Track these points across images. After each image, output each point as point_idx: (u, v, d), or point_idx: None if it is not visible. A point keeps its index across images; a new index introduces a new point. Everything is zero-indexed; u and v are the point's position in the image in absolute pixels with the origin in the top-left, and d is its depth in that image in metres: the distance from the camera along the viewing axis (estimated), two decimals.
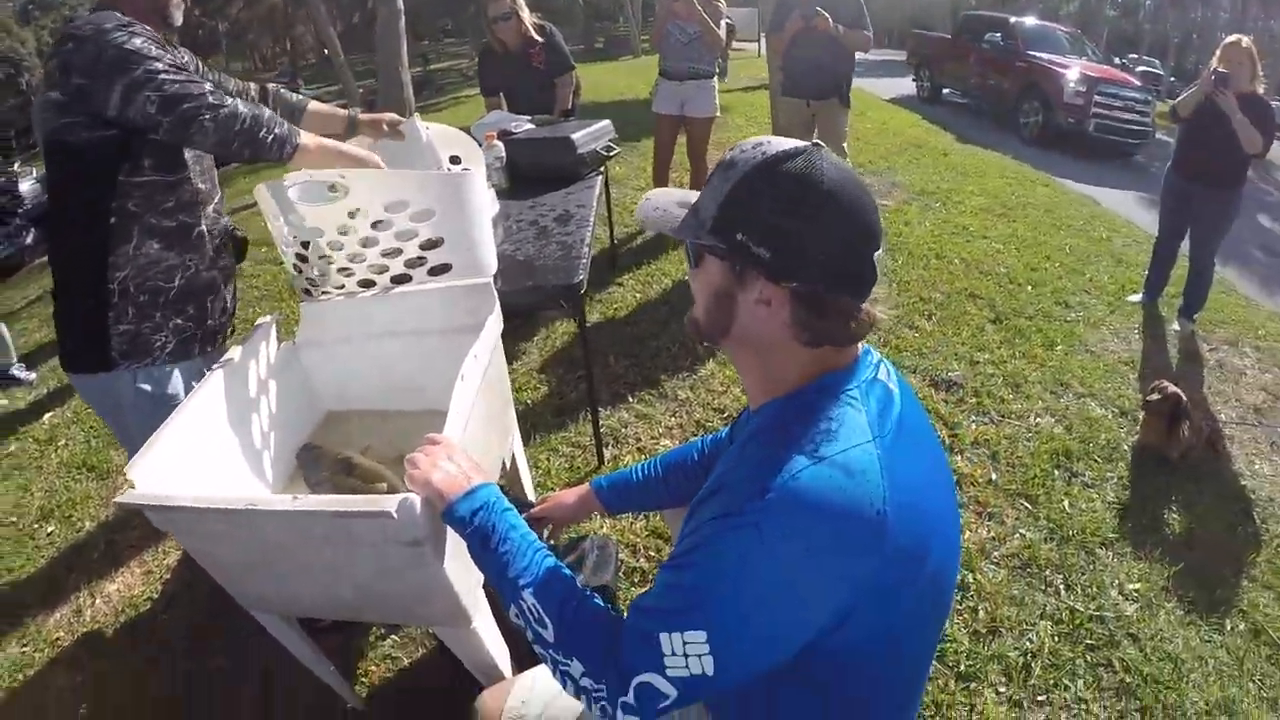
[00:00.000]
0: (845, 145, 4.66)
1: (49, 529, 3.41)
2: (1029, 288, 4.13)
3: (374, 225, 1.79)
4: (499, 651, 1.59)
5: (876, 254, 0.94)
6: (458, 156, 2.32)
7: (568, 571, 1.11)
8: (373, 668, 2.23)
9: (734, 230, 0.93)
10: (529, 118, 3.52)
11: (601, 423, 2.99)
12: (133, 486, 1.39)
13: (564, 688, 1.03)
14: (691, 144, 5.07)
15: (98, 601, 2.85)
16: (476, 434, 1.62)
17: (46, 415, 4.55)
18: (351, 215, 1.77)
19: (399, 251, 1.87)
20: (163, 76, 1.58)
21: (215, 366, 1.74)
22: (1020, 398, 3.10)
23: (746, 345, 1.02)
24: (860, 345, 1.02)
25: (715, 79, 4.87)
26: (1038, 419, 2.97)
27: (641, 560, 2.42)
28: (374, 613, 1.52)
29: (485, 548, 1.13)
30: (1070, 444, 2.87)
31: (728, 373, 3.39)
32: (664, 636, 0.90)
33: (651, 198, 1.11)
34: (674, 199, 1.08)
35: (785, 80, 4.62)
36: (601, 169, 3.22)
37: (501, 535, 1.13)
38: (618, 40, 27.58)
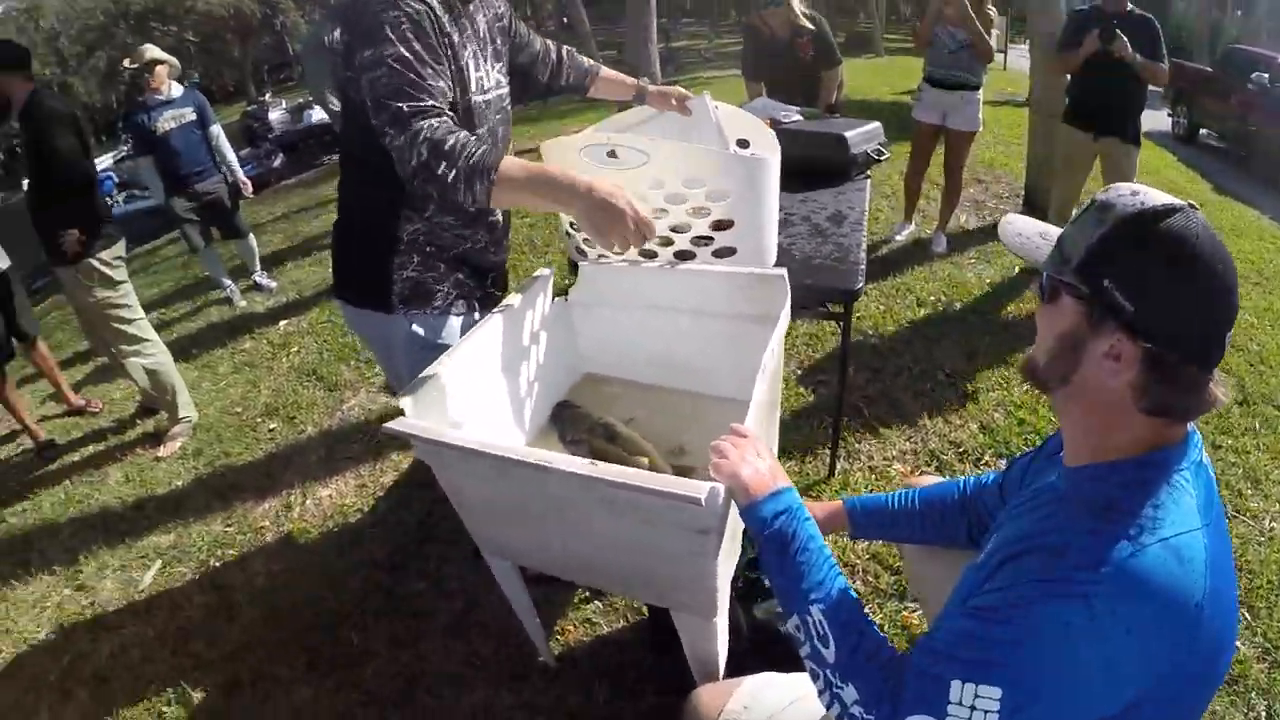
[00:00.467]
0: None
1: (271, 425, 3.71)
2: None
3: (667, 197, 1.78)
4: (723, 650, 1.55)
5: (1229, 332, 0.90)
6: (746, 140, 2.27)
7: (855, 594, 1.09)
8: (570, 628, 2.26)
9: (1101, 275, 0.90)
10: (797, 109, 3.43)
11: None
12: (402, 413, 1.44)
13: (828, 708, 1.03)
14: (949, 157, 4.81)
15: (308, 502, 3.07)
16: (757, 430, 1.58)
17: (282, 322, 4.95)
18: (650, 185, 1.76)
19: (688, 227, 1.84)
20: (384, 67, 1.46)
21: (494, 311, 1.79)
22: (1259, 495, 2.74)
23: (1080, 399, 0.98)
24: (1187, 427, 0.97)
25: (981, 91, 4.59)
26: (1273, 523, 2.62)
27: (857, 583, 2.33)
28: (620, 584, 1.51)
29: (782, 553, 1.12)
30: None
31: (970, 407, 3.21)
32: (955, 684, 0.88)
33: (1014, 222, 1.09)
34: (1036, 229, 1.05)
35: (1071, 108, 4.27)
36: (869, 172, 3.10)
37: (801, 544, 1.12)
38: (858, 38, 26.79)
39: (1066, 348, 0.95)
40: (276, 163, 14.72)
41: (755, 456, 1.22)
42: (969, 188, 5.92)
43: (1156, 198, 0.90)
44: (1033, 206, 5.46)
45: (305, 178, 11.73)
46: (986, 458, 2.89)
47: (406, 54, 1.47)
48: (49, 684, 2.46)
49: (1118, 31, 3.74)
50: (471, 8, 1.72)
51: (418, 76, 1.48)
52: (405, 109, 1.45)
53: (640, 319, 1.99)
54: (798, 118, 3.34)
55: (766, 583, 1.85)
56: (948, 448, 2.95)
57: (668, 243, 1.89)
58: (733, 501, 1.20)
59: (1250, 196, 8.35)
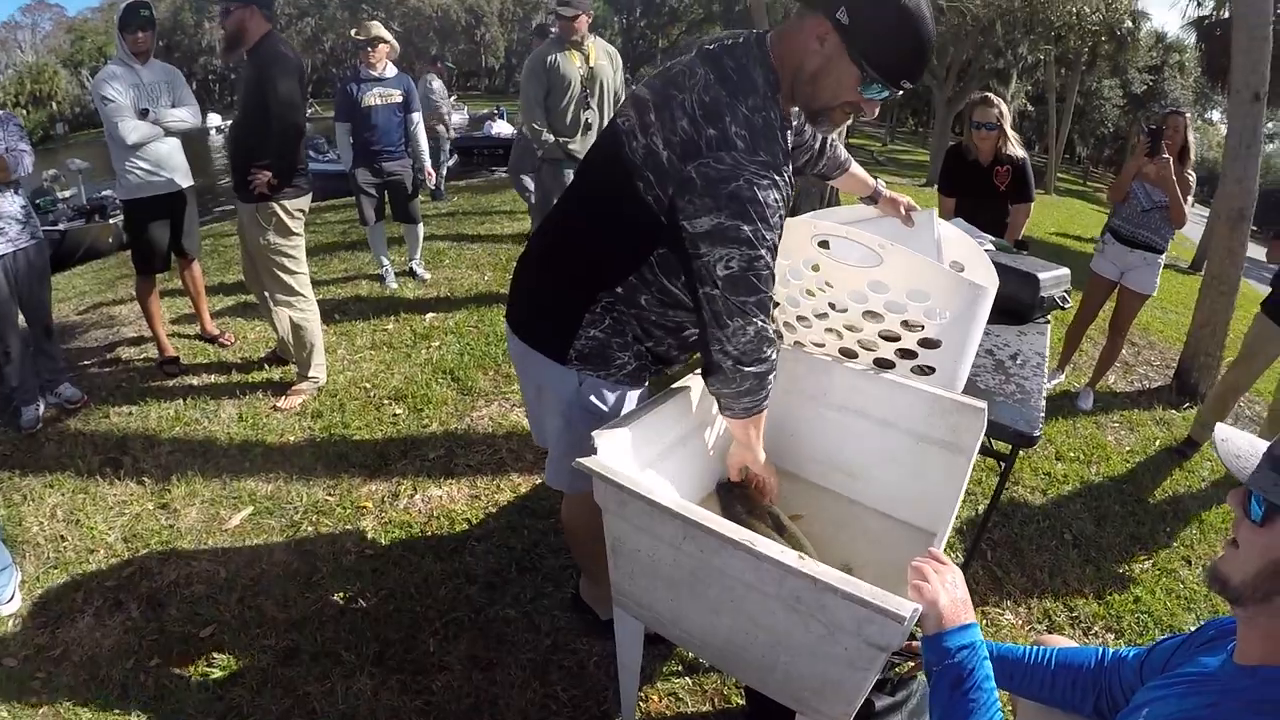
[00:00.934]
0: None
1: (397, 410, 3.74)
2: None
3: (887, 304, 1.75)
4: None
5: None
6: (960, 264, 2.23)
7: None
8: (654, 696, 2.19)
9: None
10: (991, 238, 3.37)
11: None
12: (595, 451, 1.45)
13: None
14: (1119, 315, 4.66)
15: (416, 496, 3.05)
16: None
17: (429, 314, 5.03)
18: (872, 288, 1.73)
19: (896, 337, 1.81)
20: (762, 255, 1.43)
21: (680, 383, 1.77)
22: None
23: (1277, 615, 0.96)
24: None
25: (1164, 256, 4.44)
26: None
27: None
28: (756, 674, 1.46)
29: (956, 686, 1.15)
30: None
31: (1089, 572, 3.07)
32: None
33: (1231, 439, 1.06)
34: (1258, 447, 1.03)
35: (1272, 298, 4.05)
36: (1050, 317, 3.00)
37: (977, 682, 1.14)
38: (1034, 172, 26.59)
39: (1277, 569, 0.94)
40: (451, 162, 15.31)
41: (954, 586, 1.24)
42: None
43: None
44: (1184, 381, 5.23)
45: (475, 183, 12.18)
46: (1096, 628, 2.76)
47: (775, 242, 1.47)
48: (103, 588, 2.49)
49: None
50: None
51: (769, 265, 1.47)
52: (754, 302, 1.47)
53: (824, 416, 1.96)
54: (990, 247, 3.28)
55: (877, 705, 1.79)
56: (1061, 609, 2.81)
57: (871, 347, 1.86)
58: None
59: None
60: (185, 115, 3.90)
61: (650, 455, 1.67)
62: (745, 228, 1.40)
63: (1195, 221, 5.49)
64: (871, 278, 1.73)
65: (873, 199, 2.26)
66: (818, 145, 2.12)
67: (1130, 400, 5.02)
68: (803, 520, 1.87)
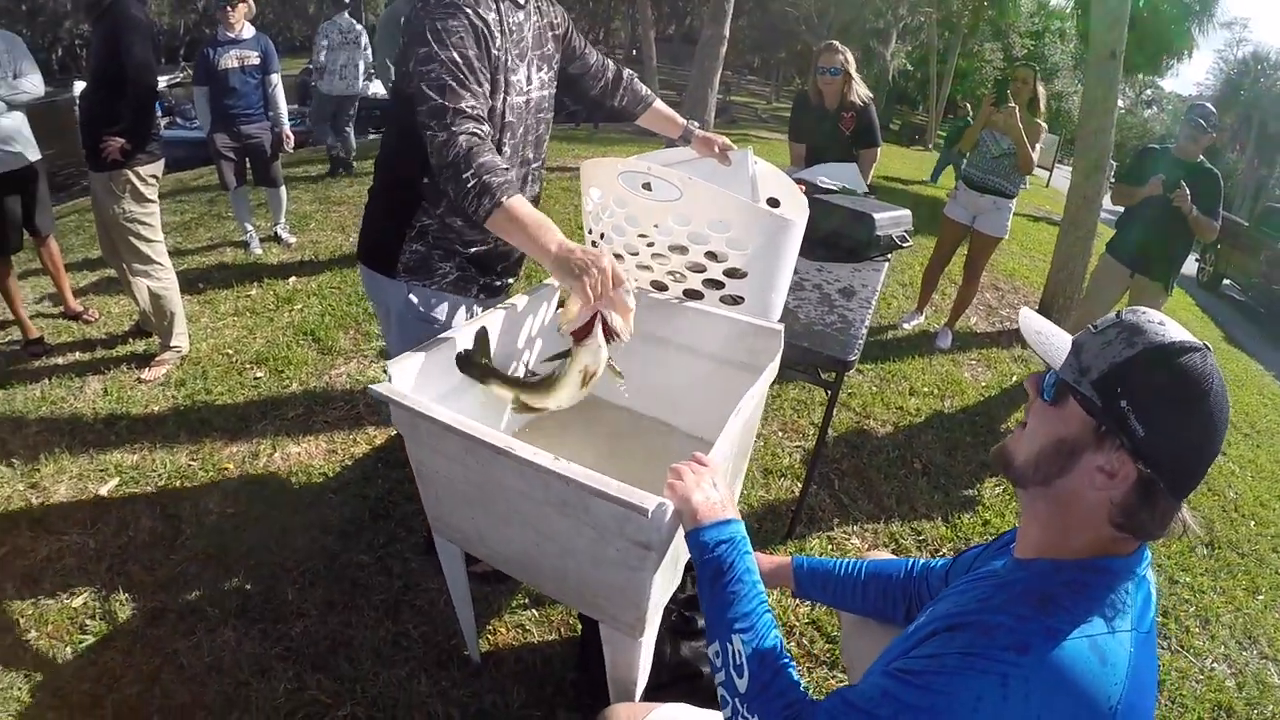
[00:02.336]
0: None
1: (258, 374, 3.74)
2: (1252, 523, 3.67)
3: (690, 235, 1.83)
4: (644, 674, 1.58)
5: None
6: (776, 199, 2.33)
7: (779, 636, 1.14)
8: (501, 629, 2.28)
9: (1118, 396, 0.92)
10: (842, 184, 3.51)
11: None
12: (388, 379, 1.50)
13: None
14: (971, 258, 4.89)
15: (276, 455, 3.09)
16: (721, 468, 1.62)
17: (292, 278, 4.99)
18: (676, 220, 1.81)
19: (702, 269, 1.89)
20: (434, 64, 1.58)
21: (499, 305, 1.84)
22: (1206, 635, 2.80)
23: (1055, 501, 1.00)
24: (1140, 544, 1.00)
25: (1014, 201, 4.68)
26: (1214, 664, 2.67)
27: (792, 645, 2.35)
28: (554, 586, 1.54)
29: (716, 579, 1.17)
30: (1236, 702, 2.56)
31: (938, 499, 3.25)
32: None
33: (1034, 319, 1.10)
34: (1055, 330, 1.07)
35: (1116, 239, 4.32)
36: (889, 256, 3.16)
37: (737, 575, 1.17)
38: (913, 128, 27.28)
39: (1061, 452, 0.98)
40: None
41: (710, 486, 1.27)
42: (985, 292, 6.00)
43: (1180, 332, 0.94)
44: None
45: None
46: (944, 550, 2.93)
47: (458, 58, 1.60)
48: None
49: (1181, 182, 3.79)
50: (521, 16, 1.81)
51: (464, 78, 1.60)
52: (449, 107, 1.57)
53: (638, 347, 2.02)
54: (834, 190, 3.41)
55: (699, 623, 1.89)
56: (908, 533, 2.99)
57: (680, 279, 1.94)
58: (679, 527, 1.24)
59: (1258, 351, 8.46)
60: (28, 86, 3.71)
61: (459, 380, 1.71)
62: (421, 49, 1.60)
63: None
64: (675, 211, 1.80)
65: (685, 139, 2.31)
66: (610, 74, 2.20)
67: (990, 340, 5.28)
68: (625, 445, 1.95)
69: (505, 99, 1.77)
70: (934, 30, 23.52)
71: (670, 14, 28.03)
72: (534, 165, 2.00)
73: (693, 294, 1.96)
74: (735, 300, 1.95)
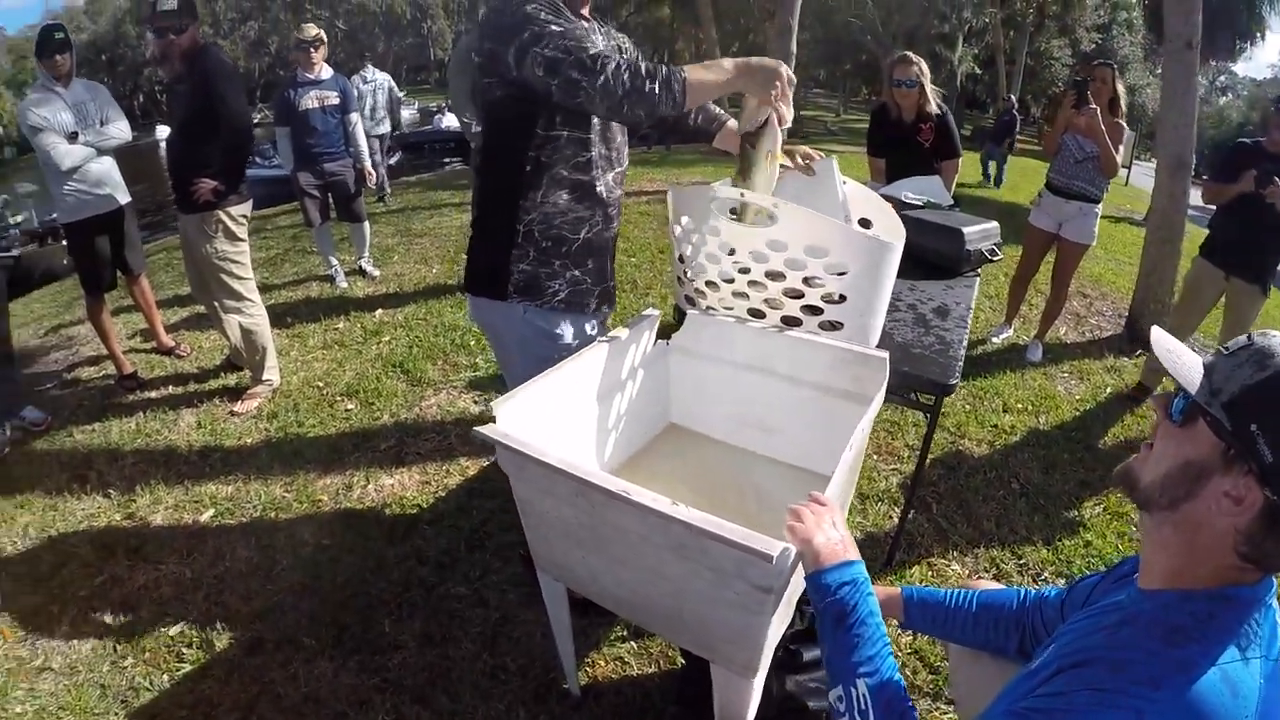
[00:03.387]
0: None
1: (349, 406, 3.80)
2: None
3: (786, 262, 1.79)
4: (753, 712, 1.54)
5: None
6: (868, 220, 2.28)
7: (901, 678, 1.12)
8: (601, 662, 2.25)
9: (1249, 419, 0.90)
10: (926, 198, 3.43)
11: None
12: (494, 421, 1.49)
13: None
14: (1059, 267, 4.73)
15: (369, 486, 3.13)
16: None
17: (379, 311, 5.08)
18: (771, 246, 1.78)
19: (800, 295, 1.85)
20: (548, 38, 1.64)
21: (601, 340, 1.83)
22: None
23: (1180, 526, 0.96)
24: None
25: (1100, 205, 4.52)
26: None
27: None
28: (667, 626, 1.51)
29: (839, 623, 1.15)
30: None
31: (1038, 520, 3.13)
32: None
33: (1164, 338, 1.05)
34: (1184, 349, 1.03)
35: (1209, 241, 4.14)
36: (979, 270, 3.06)
37: (860, 617, 1.15)
38: (985, 132, 26.74)
39: (1188, 476, 0.95)
40: (393, 160, 15.22)
41: (830, 526, 1.25)
42: (1072, 300, 5.80)
43: None
44: (1135, 330, 5.32)
45: (425, 178, 12.10)
46: (1046, 574, 2.81)
47: (560, 26, 1.68)
48: (77, 599, 2.55)
49: (1275, 178, 3.60)
50: (597, 36, 1.88)
51: (580, 37, 1.68)
52: (588, 57, 1.63)
53: (734, 376, 2.00)
54: (920, 204, 3.34)
55: (805, 656, 1.85)
56: (1009, 558, 2.87)
57: (777, 306, 1.90)
58: (798, 568, 1.22)
59: None
60: (115, 132, 3.89)
61: (561, 421, 1.71)
62: (524, 34, 1.65)
63: (1151, 175, 5.54)
64: (769, 237, 1.77)
65: None
66: None
67: (1081, 350, 5.10)
68: (727, 480, 1.93)
69: None
70: (999, 31, 23.05)
71: (732, 32, 28.08)
72: (618, 170, 2.05)
73: (791, 321, 1.92)
74: (834, 326, 1.90)
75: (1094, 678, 0.89)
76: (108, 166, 3.89)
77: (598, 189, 1.94)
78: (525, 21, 1.66)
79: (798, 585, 1.25)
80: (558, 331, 1.97)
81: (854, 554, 1.22)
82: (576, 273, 1.97)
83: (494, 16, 1.75)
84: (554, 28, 1.66)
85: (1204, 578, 0.95)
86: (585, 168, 1.90)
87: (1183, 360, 1.00)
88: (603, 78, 1.61)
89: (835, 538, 1.23)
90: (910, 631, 1.97)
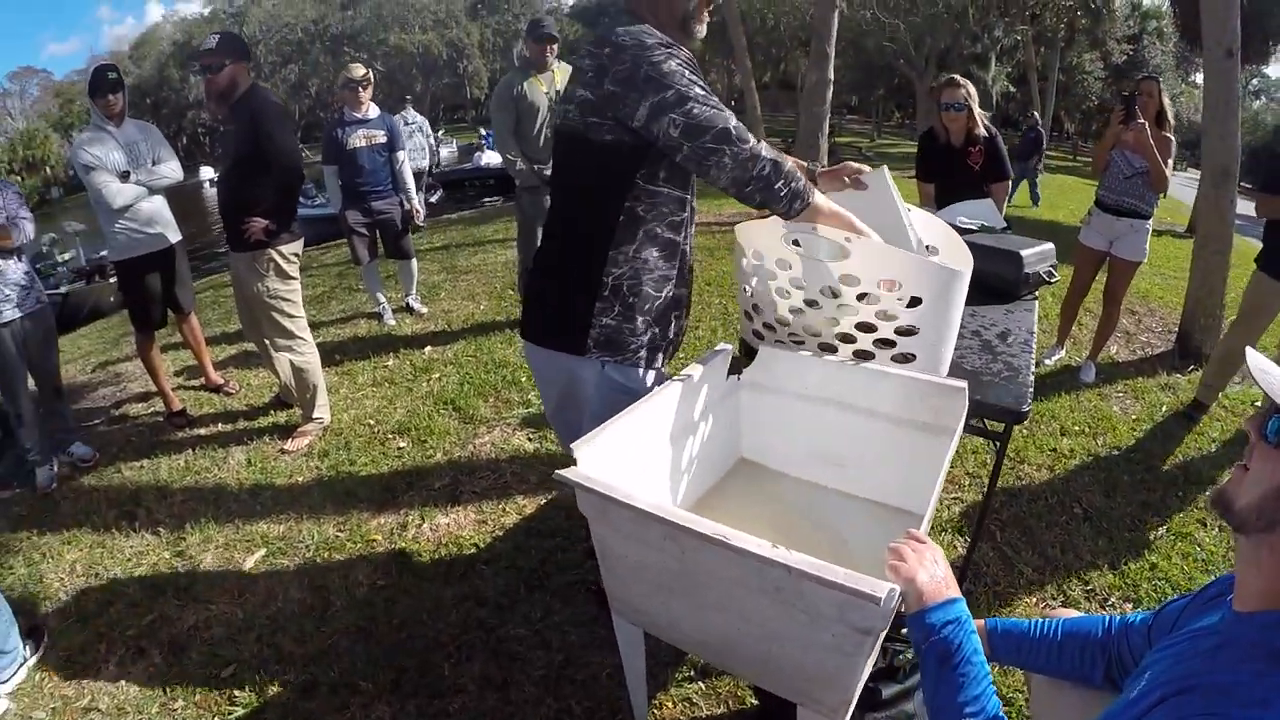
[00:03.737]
0: None
1: (401, 444, 3.78)
2: None
3: (859, 296, 1.77)
4: None
5: None
6: (934, 246, 2.24)
7: (1004, 715, 1.11)
8: (667, 703, 2.20)
9: None
10: (980, 221, 3.39)
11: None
12: (575, 464, 1.47)
13: None
14: (1111, 285, 4.66)
15: (424, 526, 3.10)
16: None
17: (428, 348, 5.10)
18: (844, 281, 1.75)
19: (873, 328, 1.82)
20: (693, 103, 1.62)
21: (675, 378, 1.80)
22: None
23: (1278, 548, 0.94)
24: None
25: (1150, 221, 4.44)
26: None
27: None
28: (753, 669, 1.48)
29: (944, 662, 1.14)
30: None
31: (1102, 544, 3.06)
32: None
33: (1257, 358, 1.03)
34: (1276, 367, 1.01)
35: (1266, 254, 4.03)
36: (1036, 294, 3.01)
37: (965, 656, 1.14)
38: (1010, 151, 26.61)
39: None
40: (434, 198, 15.39)
41: (934, 564, 1.24)
42: (1121, 318, 5.70)
43: None
44: (1186, 345, 5.22)
45: (466, 215, 12.23)
46: (1113, 599, 2.74)
47: (703, 90, 1.66)
48: (125, 638, 2.54)
49: None
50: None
51: (718, 107, 1.66)
52: (733, 130, 1.64)
53: (808, 411, 1.97)
54: (974, 228, 3.30)
55: (884, 694, 1.82)
56: (1075, 584, 2.80)
57: (849, 340, 1.87)
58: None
59: None
60: (166, 171, 3.94)
61: (637, 460, 1.68)
62: (667, 93, 1.62)
63: (1189, 186, 5.48)
64: (842, 271, 1.75)
65: (811, 178, 2.19)
66: None
67: (1134, 369, 5.01)
68: (793, 512, 1.89)
69: None
70: (1030, 48, 22.96)
71: (765, 61, 28.21)
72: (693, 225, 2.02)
73: (864, 355, 1.89)
74: (907, 359, 1.86)
75: (1202, 704, 0.86)
76: (159, 205, 3.95)
77: (683, 247, 1.92)
78: (668, 78, 1.63)
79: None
80: (634, 383, 1.91)
81: (956, 592, 1.21)
82: (656, 331, 1.91)
83: (619, 57, 1.66)
84: (698, 90, 1.65)
85: None
86: (678, 227, 1.87)
87: (1278, 379, 0.98)
88: (744, 151, 1.64)
89: (939, 576, 1.22)
90: (996, 664, 1.92)
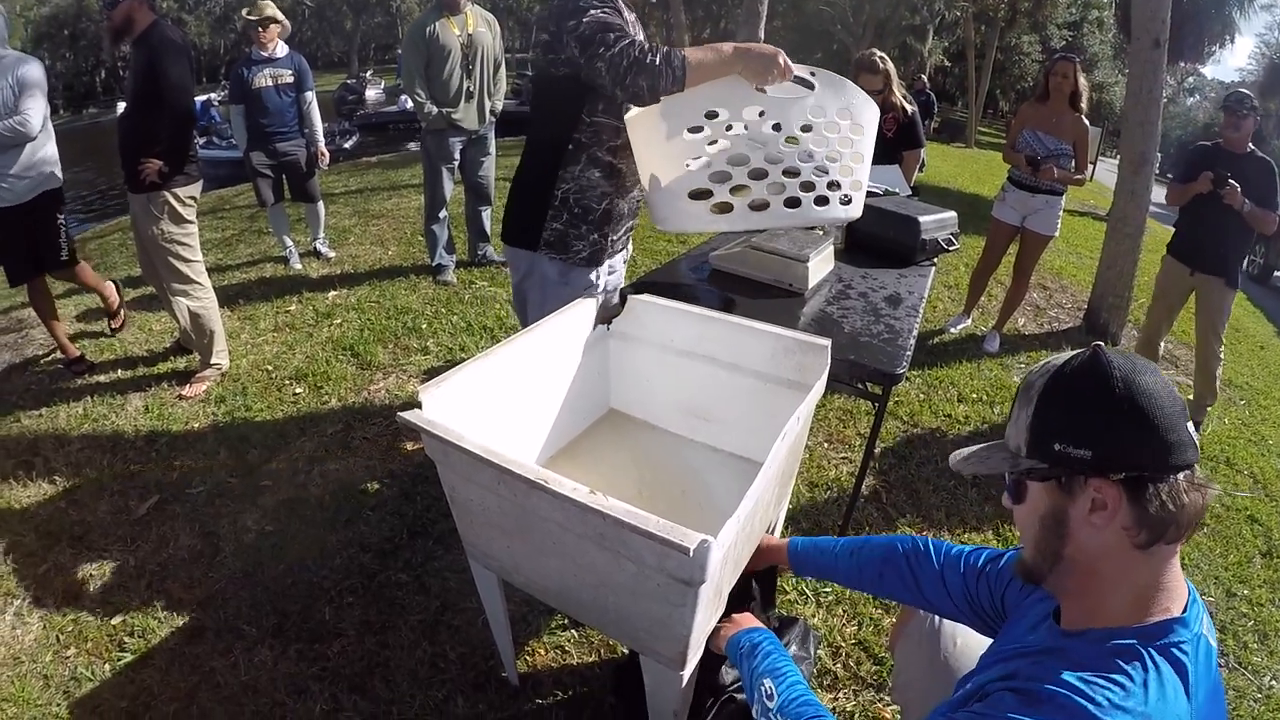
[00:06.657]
0: (1221, 332, 4.13)
1: (297, 389, 3.73)
2: None
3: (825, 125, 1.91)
4: (686, 703, 1.54)
5: (1189, 423, 0.91)
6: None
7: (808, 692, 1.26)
8: (539, 650, 2.23)
9: (1050, 443, 0.94)
10: (883, 186, 3.42)
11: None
12: (419, 407, 1.47)
13: None
14: (1021, 258, 4.77)
15: (314, 472, 3.08)
16: (766, 494, 1.55)
17: (331, 293, 5.00)
18: (805, 129, 1.88)
19: (796, 173, 1.92)
20: (586, 22, 1.86)
21: (539, 323, 1.78)
22: (1264, 651, 2.65)
23: (1077, 567, 0.97)
24: (1188, 590, 0.96)
25: (1063, 198, 4.56)
26: (1273, 682, 2.52)
27: (838, 666, 2.27)
28: (594, 617, 1.49)
29: (750, 654, 1.37)
30: None
31: (989, 511, 3.15)
32: None
33: (954, 456, 1.11)
34: (975, 449, 1.08)
35: (1175, 240, 4.23)
36: (935, 260, 3.06)
37: (763, 647, 1.37)
38: (952, 125, 26.91)
39: (1050, 527, 0.97)
40: (348, 144, 15.00)
41: (744, 623, 1.49)
42: (1032, 292, 5.85)
43: (1061, 356, 0.97)
44: (1093, 321, 5.38)
45: (387, 158, 11.87)
46: None
47: (603, 15, 1.90)
48: (21, 588, 2.49)
49: (1229, 179, 3.69)
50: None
51: (617, 24, 1.90)
52: (613, 35, 1.86)
53: (674, 362, 1.99)
54: (877, 193, 3.33)
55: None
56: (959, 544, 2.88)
57: (810, 188, 1.98)
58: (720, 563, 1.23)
59: None
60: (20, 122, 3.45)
61: (497, 406, 1.67)
62: (571, 19, 1.89)
63: (1114, 171, 5.60)
64: (810, 104, 1.85)
65: None
66: None
67: (1039, 342, 5.14)
68: (657, 463, 1.91)
69: None
70: (970, 25, 23.16)
71: (704, 17, 28.00)
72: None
73: (821, 201, 2.01)
74: (846, 201, 2.04)
75: (1014, 704, 0.89)
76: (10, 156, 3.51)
77: (625, 169, 2.21)
78: (576, 6, 1.90)
79: (727, 580, 1.24)
80: (569, 280, 2.26)
81: (763, 627, 1.46)
82: (595, 236, 2.25)
83: (559, 4, 1.95)
84: (594, 10, 1.88)
85: (1126, 607, 0.94)
86: (616, 151, 2.16)
87: (978, 455, 1.06)
88: (612, 50, 1.83)
89: (745, 624, 1.46)
90: (803, 577, 2.11)
